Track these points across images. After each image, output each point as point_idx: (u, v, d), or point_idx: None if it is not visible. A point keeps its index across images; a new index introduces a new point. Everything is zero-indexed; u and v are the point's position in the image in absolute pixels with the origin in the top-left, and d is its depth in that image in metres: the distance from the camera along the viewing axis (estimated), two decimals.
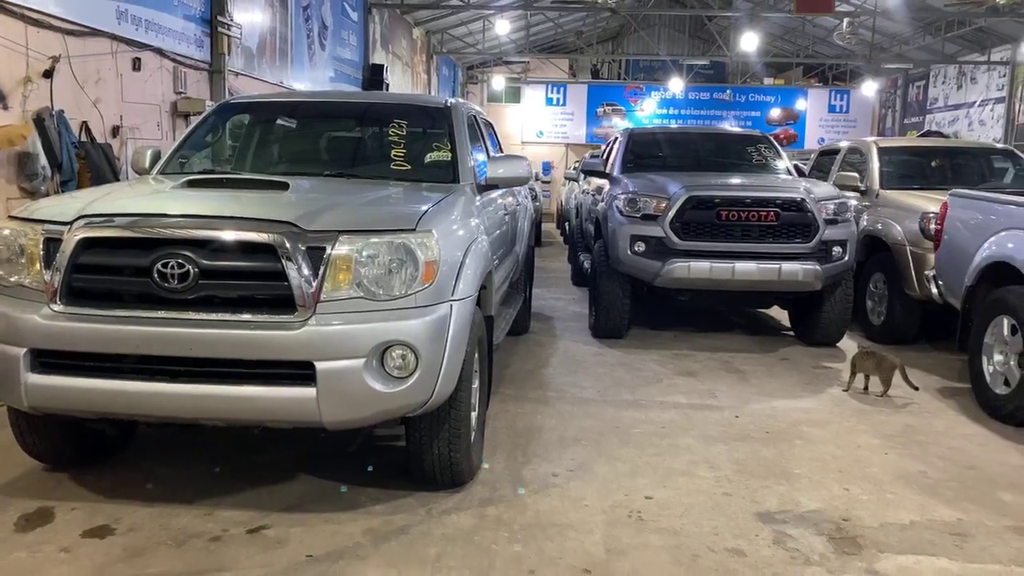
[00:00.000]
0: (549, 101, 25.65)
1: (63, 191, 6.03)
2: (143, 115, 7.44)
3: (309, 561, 3.01)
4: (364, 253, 3.08)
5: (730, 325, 7.69)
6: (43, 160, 5.86)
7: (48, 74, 6.01)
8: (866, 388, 5.41)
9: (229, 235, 3.00)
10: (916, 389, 5.34)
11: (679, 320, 7.60)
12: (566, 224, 15.27)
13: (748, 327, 7.67)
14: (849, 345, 6.70)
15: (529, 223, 6.70)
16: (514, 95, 25.76)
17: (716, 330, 7.38)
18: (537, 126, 25.59)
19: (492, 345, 4.27)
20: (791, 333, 7.27)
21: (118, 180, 6.62)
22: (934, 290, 6.02)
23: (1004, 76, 18.26)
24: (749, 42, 18.95)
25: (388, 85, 15.36)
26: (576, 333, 7.21)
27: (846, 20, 16.68)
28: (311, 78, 11.95)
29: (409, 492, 3.58)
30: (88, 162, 6.33)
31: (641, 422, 4.71)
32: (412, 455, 3.51)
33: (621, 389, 5.41)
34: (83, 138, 6.45)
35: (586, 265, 8.33)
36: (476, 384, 3.72)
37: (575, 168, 14.58)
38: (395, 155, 4.44)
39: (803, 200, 6.31)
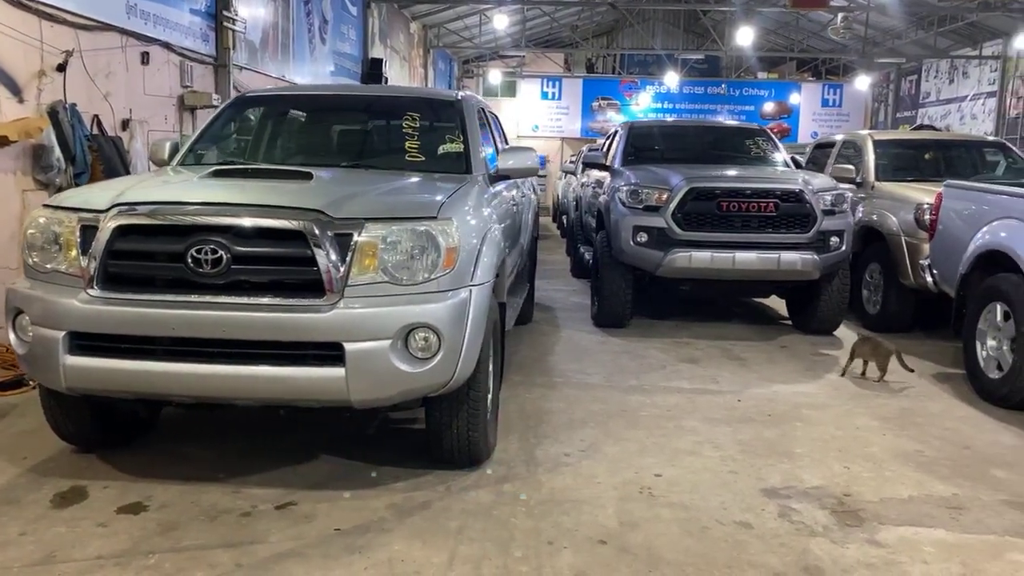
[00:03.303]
0: (544, 95, 25.77)
1: (77, 183, 6.12)
2: (151, 108, 7.53)
3: (337, 534, 3.15)
4: (389, 239, 3.21)
5: (729, 315, 7.85)
6: (58, 152, 5.95)
7: (61, 68, 6.11)
8: (863, 373, 5.58)
9: (261, 222, 3.14)
10: (912, 371, 5.52)
11: (679, 310, 7.75)
12: (563, 217, 15.41)
13: (747, 316, 7.83)
14: (846, 334, 6.88)
15: (533, 215, 6.84)
16: (510, 89, 25.85)
17: (716, 319, 7.54)
18: (533, 120, 25.70)
19: (504, 330, 4.41)
20: (789, 322, 7.44)
21: (129, 172, 6.72)
22: (928, 279, 6.19)
23: (995, 71, 18.45)
24: (743, 36, 19.10)
25: (387, 79, 15.44)
26: (578, 323, 7.35)
27: (840, 15, 16.83)
28: (312, 72, 12.04)
29: (428, 470, 3.72)
30: (100, 155, 6.42)
31: (647, 405, 4.86)
32: (432, 434, 3.65)
33: (626, 375, 5.56)
34: (95, 131, 6.54)
35: (587, 257, 8.47)
36: (491, 367, 3.86)
37: (571, 161, 14.73)
38: (409, 147, 4.58)
39: (801, 191, 6.47)
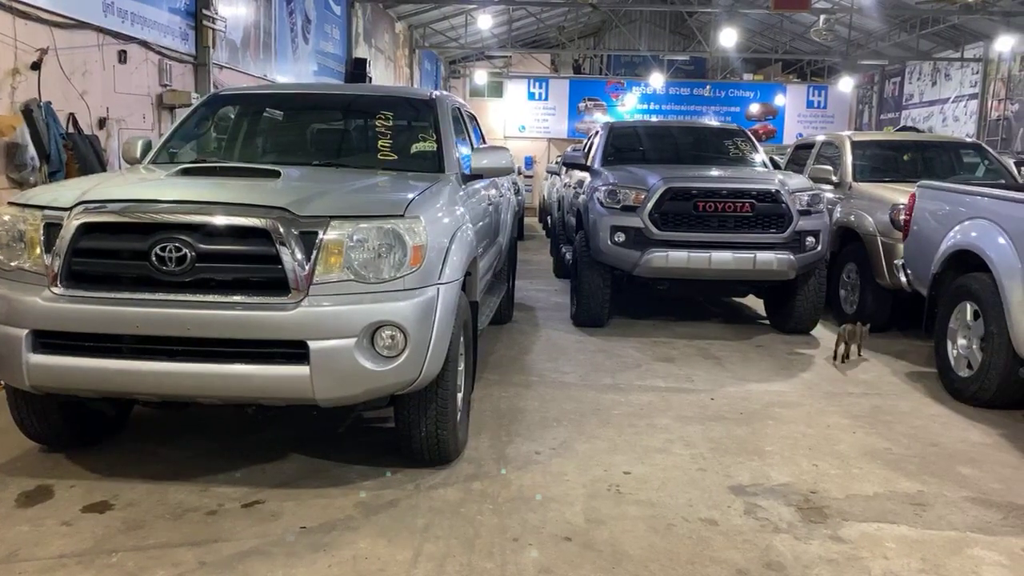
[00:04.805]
0: (531, 96, 25.78)
1: (51, 182, 6.10)
2: (129, 107, 7.50)
3: (303, 532, 3.15)
4: (355, 237, 3.21)
5: (707, 314, 7.88)
6: (32, 151, 5.93)
7: (36, 66, 6.08)
8: (839, 356, 5.94)
9: (225, 220, 3.13)
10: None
11: (657, 310, 7.77)
12: (548, 218, 15.42)
13: (725, 316, 7.87)
14: (822, 333, 6.93)
15: (512, 216, 6.84)
16: (496, 90, 25.86)
17: (693, 319, 7.57)
18: (519, 121, 25.71)
19: (477, 329, 4.42)
20: (766, 322, 7.47)
21: (105, 171, 6.69)
22: (903, 279, 6.24)
23: (977, 73, 18.61)
24: (728, 38, 19.18)
25: (371, 79, 15.43)
26: (558, 322, 7.37)
27: (822, 17, 16.94)
28: (295, 72, 12.01)
29: (398, 468, 3.73)
30: (76, 153, 6.40)
31: (620, 404, 4.87)
32: (401, 433, 3.65)
33: (601, 374, 5.58)
34: (70, 129, 6.51)
35: (568, 257, 8.48)
36: (462, 366, 3.87)
37: (557, 162, 14.75)
38: (382, 145, 4.58)
39: (777, 191, 6.50)
